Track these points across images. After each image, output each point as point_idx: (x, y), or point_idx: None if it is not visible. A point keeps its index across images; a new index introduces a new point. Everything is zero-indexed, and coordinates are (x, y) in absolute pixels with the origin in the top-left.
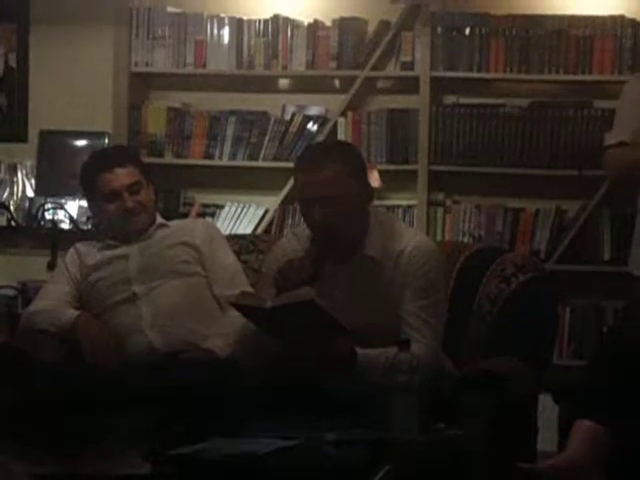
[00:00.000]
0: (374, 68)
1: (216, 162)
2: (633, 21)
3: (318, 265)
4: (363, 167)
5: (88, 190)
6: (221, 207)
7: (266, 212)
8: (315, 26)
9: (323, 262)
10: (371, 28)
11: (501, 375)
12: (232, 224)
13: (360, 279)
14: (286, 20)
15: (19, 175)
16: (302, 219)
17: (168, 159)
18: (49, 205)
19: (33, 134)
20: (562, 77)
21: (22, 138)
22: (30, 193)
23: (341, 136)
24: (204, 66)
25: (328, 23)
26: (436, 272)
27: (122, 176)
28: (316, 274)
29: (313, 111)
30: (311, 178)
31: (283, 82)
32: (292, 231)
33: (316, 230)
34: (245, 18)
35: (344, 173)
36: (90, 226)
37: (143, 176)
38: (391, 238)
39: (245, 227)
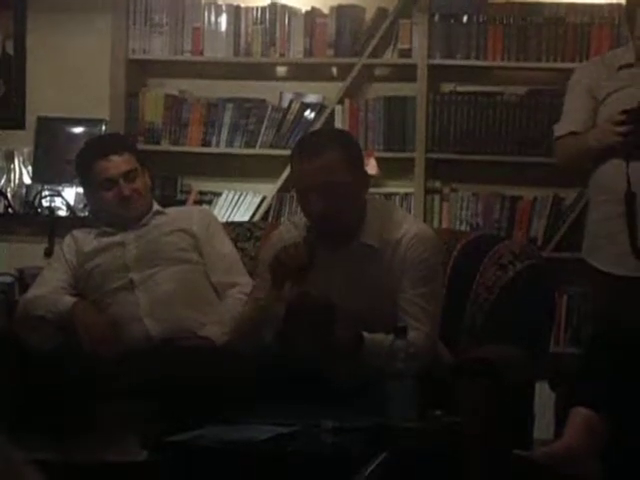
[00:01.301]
0: (372, 56)
1: (213, 149)
2: None
3: (314, 252)
4: (360, 155)
5: (84, 178)
6: (218, 194)
7: (263, 199)
8: (313, 13)
9: (319, 249)
10: (369, 15)
11: (497, 363)
12: (229, 211)
13: (358, 267)
14: (284, 7)
15: (16, 162)
16: (299, 207)
17: (165, 146)
18: (46, 192)
19: (30, 121)
20: (560, 65)
21: (19, 125)
22: (27, 180)
23: (338, 124)
24: (201, 53)
25: (326, 10)
26: (435, 260)
27: (118, 163)
28: (312, 261)
29: (310, 99)
30: (308, 166)
31: (280, 69)
32: (290, 220)
33: (313, 218)
34: (242, 5)
35: (341, 161)
36: (87, 213)
37: (139, 163)
38: (389, 226)
39: (242, 214)
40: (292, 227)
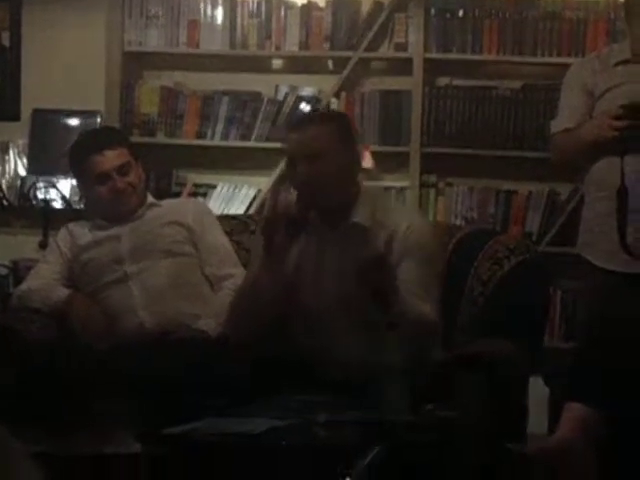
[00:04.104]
0: (367, 49)
1: (208, 142)
2: None
3: (304, 217)
4: (350, 132)
5: (78, 172)
6: (213, 187)
7: (258, 192)
8: (309, 7)
9: (310, 230)
10: (365, 9)
11: (491, 357)
12: (224, 204)
13: (349, 246)
14: (280, 1)
15: (11, 154)
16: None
17: (160, 139)
18: (41, 184)
19: (26, 113)
20: (555, 59)
21: (14, 117)
22: (22, 172)
23: None
24: (197, 46)
25: (322, 4)
26: (435, 244)
27: (111, 158)
28: (303, 224)
29: (306, 92)
30: (298, 135)
31: (276, 62)
32: None
33: (299, 186)
34: None
35: (330, 132)
36: (82, 205)
37: (132, 156)
38: (384, 211)
39: (237, 207)
40: None
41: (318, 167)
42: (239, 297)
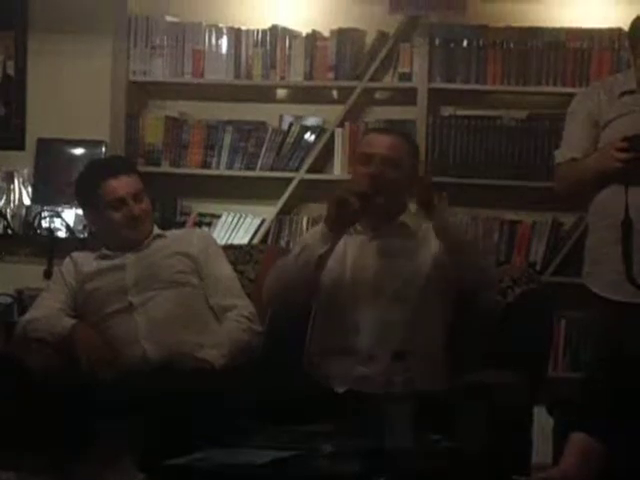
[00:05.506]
0: (372, 79)
1: (213, 171)
2: None
3: (368, 204)
4: (418, 157)
5: (89, 198)
6: (218, 217)
7: (263, 222)
8: (313, 37)
9: (370, 206)
10: (369, 39)
11: (495, 387)
12: (229, 234)
13: (395, 243)
14: (284, 30)
15: (16, 183)
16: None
17: (165, 168)
18: (46, 213)
19: (30, 142)
20: (560, 89)
21: (19, 146)
22: (27, 201)
23: (338, 147)
24: (202, 76)
25: (326, 34)
26: None
27: (128, 183)
28: (365, 210)
29: (310, 121)
30: (379, 138)
31: (281, 92)
32: None
33: (363, 182)
34: (243, 28)
35: (408, 148)
36: (86, 235)
37: (143, 185)
38: (421, 226)
39: (242, 237)
40: None
41: (389, 171)
42: (287, 264)
